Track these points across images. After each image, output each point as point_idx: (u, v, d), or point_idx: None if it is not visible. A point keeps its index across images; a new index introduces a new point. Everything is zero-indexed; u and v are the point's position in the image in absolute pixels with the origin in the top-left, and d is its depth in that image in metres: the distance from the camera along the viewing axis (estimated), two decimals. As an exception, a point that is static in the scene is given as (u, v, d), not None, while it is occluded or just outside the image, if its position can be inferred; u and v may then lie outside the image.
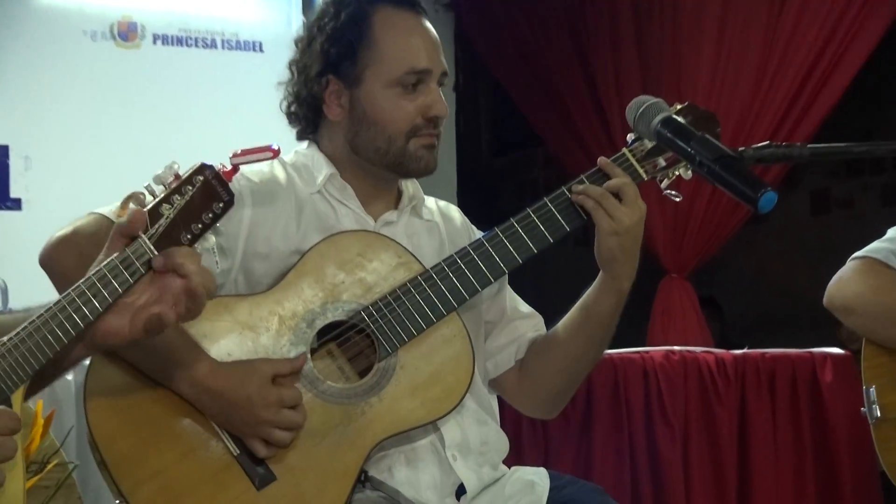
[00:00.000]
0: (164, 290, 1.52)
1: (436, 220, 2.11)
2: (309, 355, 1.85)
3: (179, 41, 4.54)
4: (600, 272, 1.98)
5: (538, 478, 1.97)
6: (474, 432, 1.97)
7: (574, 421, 3.37)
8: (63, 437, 2.42)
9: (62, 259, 1.78)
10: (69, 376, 2.57)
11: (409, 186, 2.08)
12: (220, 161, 1.55)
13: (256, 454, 1.79)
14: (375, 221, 2.02)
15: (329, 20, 2.00)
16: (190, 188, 1.51)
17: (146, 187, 1.52)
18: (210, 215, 1.52)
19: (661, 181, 1.99)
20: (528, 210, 1.94)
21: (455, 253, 1.93)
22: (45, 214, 4.03)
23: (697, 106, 1.97)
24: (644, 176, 1.96)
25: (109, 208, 1.81)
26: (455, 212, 2.17)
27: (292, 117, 2.06)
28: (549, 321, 2.12)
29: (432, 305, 1.89)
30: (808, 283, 3.38)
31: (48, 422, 2.24)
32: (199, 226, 1.52)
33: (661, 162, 1.96)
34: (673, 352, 3.52)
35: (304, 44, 2.02)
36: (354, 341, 1.89)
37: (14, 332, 1.45)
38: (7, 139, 4.28)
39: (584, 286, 2.02)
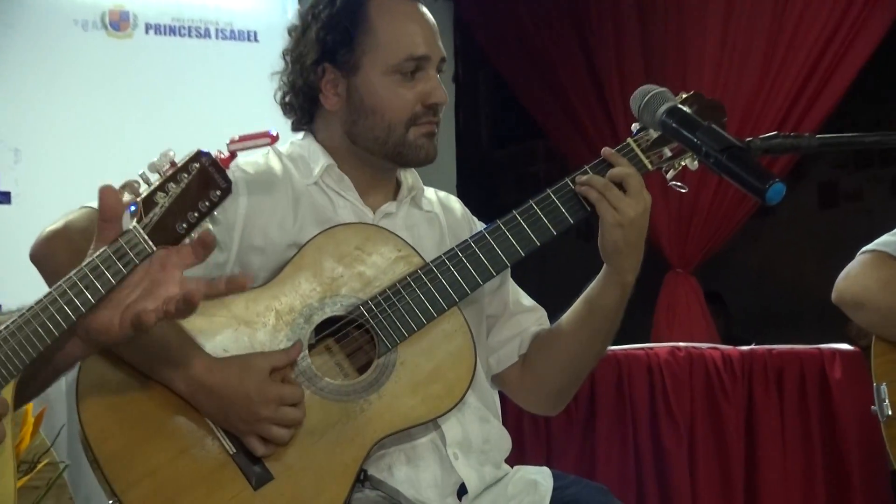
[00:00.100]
0: (156, 285, 1.48)
1: (436, 210, 2.09)
2: (306, 350, 1.83)
3: (173, 31, 4.52)
4: (604, 265, 1.96)
5: (541, 477, 1.96)
6: (476, 430, 1.96)
7: (577, 418, 3.37)
8: (54, 435, 2.42)
9: (54, 254, 1.76)
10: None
11: (408, 177, 2.07)
12: (217, 148, 1.53)
13: (254, 452, 1.78)
14: (374, 213, 2.01)
15: (324, 7, 1.98)
16: (186, 176, 1.49)
17: (141, 175, 1.50)
18: (206, 204, 1.50)
19: (667, 172, 1.98)
20: (531, 202, 1.93)
21: (456, 246, 1.92)
22: (35, 208, 4.03)
23: (704, 95, 1.95)
24: (649, 166, 1.95)
25: (102, 202, 1.78)
26: (455, 203, 2.16)
27: (287, 107, 2.05)
28: (552, 315, 2.10)
29: (433, 300, 1.88)
30: (815, 278, 3.37)
31: (38, 420, 2.24)
32: (195, 214, 1.50)
33: (667, 152, 1.95)
34: (678, 348, 3.52)
35: (299, 32, 2.01)
36: (353, 337, 1.88)
37: (3, 326, 1.42)
38: (-5, 132, 4.27)
39: (588, 279, 2.01)
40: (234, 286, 1.55)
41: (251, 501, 1.76)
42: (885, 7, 4.62)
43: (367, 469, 1.86)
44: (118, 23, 4.41)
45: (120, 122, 4.30)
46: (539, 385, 2.08)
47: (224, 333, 1.82)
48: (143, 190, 1.48)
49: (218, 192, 1.50)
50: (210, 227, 1.55)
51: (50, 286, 1.47)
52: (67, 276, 1.45)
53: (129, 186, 1.49)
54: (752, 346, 3.59)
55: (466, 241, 1.92)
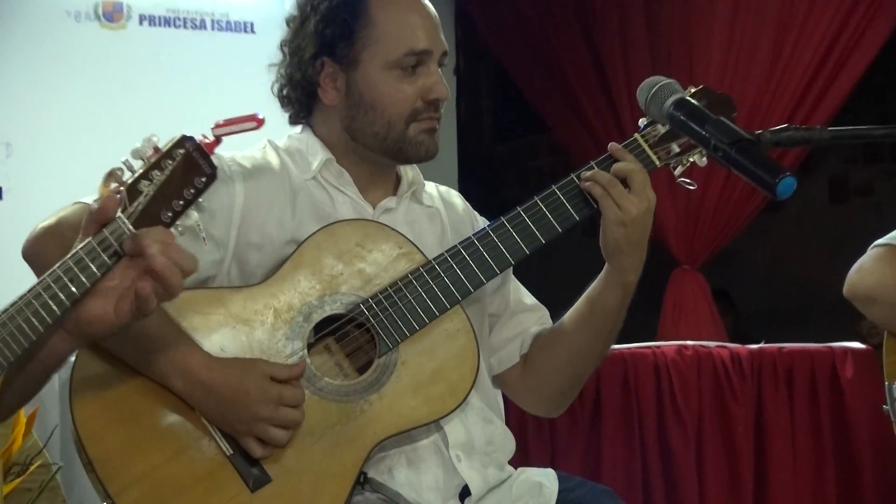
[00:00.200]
0: (147, 269, 1.46)
1: (437, 206, 2.08)
2: (305, 350, 1.81)
3: (167, 22, 4.49)
4: (606, 264, 1.95)
5: (546, 479, 1.95)
6: (479, 431, 1.94)
7: (582, 419, 3.36)
8: (47, 436, 2.42)
9: (46, 251, 1.74)
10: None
11: (409, 171, 2.05)
12: (202, 132, 1.50)
13: (252, 454, 1.76)
14: (374, 208, 1.99)
15: None
16: (170, 162, 1.46)
17: (124, 162, 1.48)
18: (192, 190, 1.48)
19: (675, 168, 1.96)
20: (536, 198, 1.91)
21: (459, 243, 1.90)
22: (27, 204, 4.01)
23: (713, 89, 1.93)
24: (657, 162, 1.93)
25: (95, 198, 1.75)
26: (457, 197, 2.14)
27: (285, 101, 2.03)
28: (555, 315, 2.09)
29: (435, 298, 1.86)
30: (825, 275, 3.35)
31: (31, 421, 2.24)
32: (181, 202, 1.48)
33: (675, 148, 1.93)
34: (686, 346, 3.52)
35: (297, 24, 1.98)
36: (353, 336, 1.86)
37: None
38: (-14, 126, 4.27)
39: (593, 277, 1.99)
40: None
41: (248, 504, 1.75)
42: (891, 6, 4.59)
43: (366, 471, 1.84)
44: (111, 14, 4.38)
45: (113, 116, 4.27)
46: (540, 386, 2.06)
47: (221, 332, 1.80)
48: (127, 178, 1.46)
49: (203, 179, 1.48)
50: (196, 214, 1.53)
51: None
52: (51, 270, 1.43)
53: (113, 175, 1.46)
54: (762, 345, 3.58)
55: (469, 238, 1.90)
